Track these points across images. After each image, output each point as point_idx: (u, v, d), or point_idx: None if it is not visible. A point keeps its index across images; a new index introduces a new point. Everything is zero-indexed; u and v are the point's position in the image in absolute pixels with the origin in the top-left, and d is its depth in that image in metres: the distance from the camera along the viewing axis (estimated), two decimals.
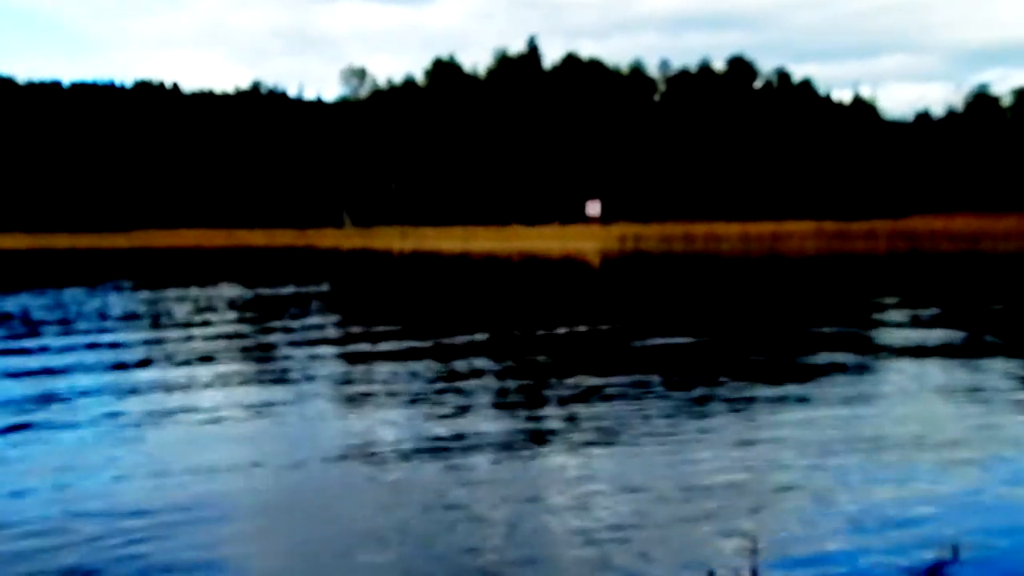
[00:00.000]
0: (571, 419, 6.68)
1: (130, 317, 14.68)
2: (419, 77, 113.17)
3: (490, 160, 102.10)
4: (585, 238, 74.35)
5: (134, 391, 7.96)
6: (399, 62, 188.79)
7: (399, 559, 3.88)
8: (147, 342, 11.43)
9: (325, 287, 21.55)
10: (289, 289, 20.82)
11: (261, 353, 10.23)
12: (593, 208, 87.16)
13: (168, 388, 8.06)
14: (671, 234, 75.76)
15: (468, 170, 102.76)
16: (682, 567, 3.76)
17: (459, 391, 7.59)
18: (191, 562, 3.89)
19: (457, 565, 3.87)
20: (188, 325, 13.32)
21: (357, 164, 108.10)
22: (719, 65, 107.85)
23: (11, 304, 17.61)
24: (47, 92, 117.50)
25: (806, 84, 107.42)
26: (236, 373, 8.72)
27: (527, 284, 24.37)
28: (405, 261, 41.53)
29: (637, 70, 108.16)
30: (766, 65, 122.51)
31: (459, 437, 5.95)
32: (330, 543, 4.10)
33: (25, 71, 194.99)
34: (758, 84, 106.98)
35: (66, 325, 13.40)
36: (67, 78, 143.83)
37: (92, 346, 11.01)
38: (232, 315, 15.07)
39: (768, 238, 73.05)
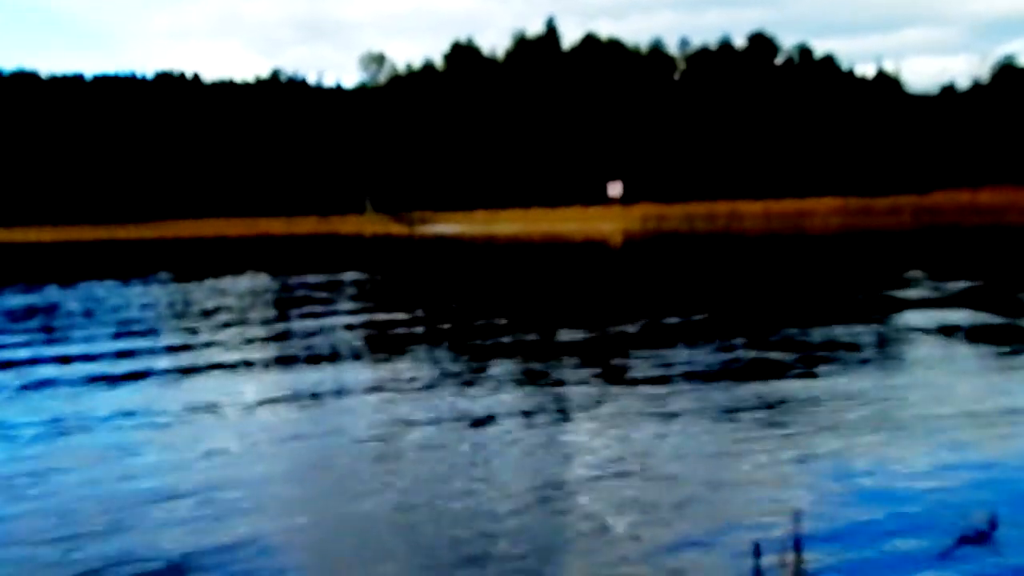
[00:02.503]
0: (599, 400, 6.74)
1: (183, 313, 14.84)
2: (438, 61, 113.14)
3: (511, 143, 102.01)
4: (607, 219, 74.27)
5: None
6: (416, 46, 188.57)
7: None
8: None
9: (354, 275, 21.65)
10: (319, 278, 20.94)
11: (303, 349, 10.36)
12: (614, 189, 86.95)
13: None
14: (693, 213, 75.48)
15: (489, 153, 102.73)
16: (726, 538, 3.84)
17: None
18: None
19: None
20: (241, 321, 13.47)
21: (378, 150, 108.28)
22: (739, 42, 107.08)
23: (71, 299, 17.79)
24: (70, 85, 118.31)
25: (828, 59, 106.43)
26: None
27: (549, 267, 24.41)
28: (427, 246, 41.63)
29: (656, 49, 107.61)
30: (787, 41, 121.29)
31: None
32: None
33: (48, 65, 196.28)
34: (779, 60, 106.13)
35: (120, 321, 13.57)
36: (89, 71, 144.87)
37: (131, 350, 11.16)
38: (276, 304, 15.22)
39: (792, 216, 72.68)
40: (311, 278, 20.37)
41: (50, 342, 10.86)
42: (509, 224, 73.75)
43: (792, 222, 63.06)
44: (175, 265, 29.97)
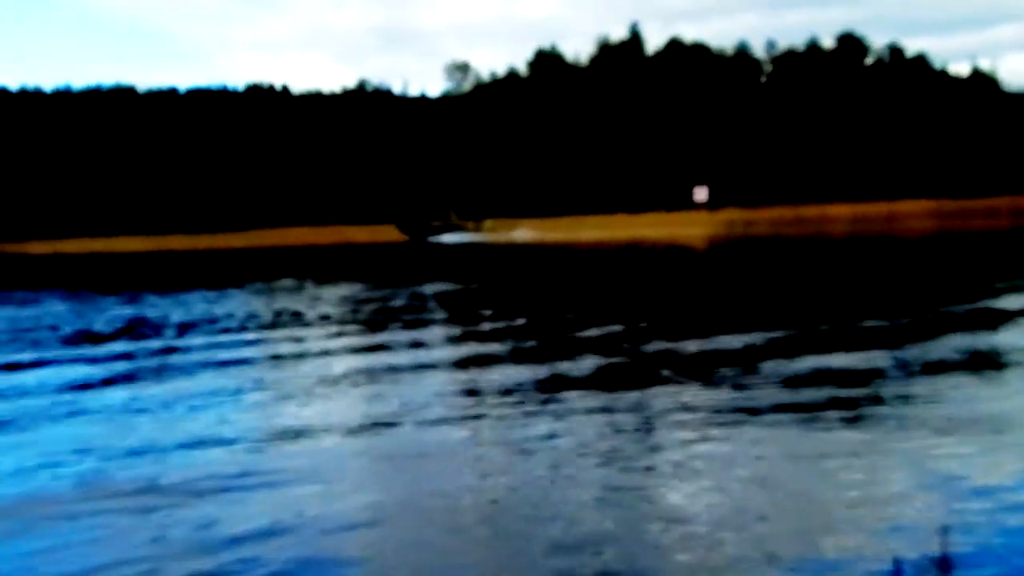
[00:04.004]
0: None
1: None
2: (521, 68, 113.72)
3: (595, 149, 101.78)
4: (692, 224, 73.69)
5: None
6: (498, 54, 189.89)
7: None
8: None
9: (445, 286, 21.76)
10: (412, 288, 21.10)
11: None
12: (700, 194, 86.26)
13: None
14: (781, 218, 74.48)
15: (573, 160, 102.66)
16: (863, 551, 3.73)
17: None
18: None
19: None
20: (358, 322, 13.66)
21: (462, 158, 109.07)
22: (828, 43, 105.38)
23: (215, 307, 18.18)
24: (165, 99, 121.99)
25: (920, 59, 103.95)
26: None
27: (632, 270, 24.24)
28: (513, 253, 41.75)
29: (742, 52, 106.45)
30: (877, 41, 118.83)
31: None
32: None
33: (144, 79, 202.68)
34: (869, 61, 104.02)
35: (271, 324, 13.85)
36: (183, 85, 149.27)
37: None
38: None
39: (882, 219, 71.17)
40: (402, 290, 20.52)
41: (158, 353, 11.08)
42: (592, 230, 73.56)
43: (883, 225, 61.70)
44: (267, 274, 30.51)
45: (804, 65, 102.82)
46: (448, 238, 72.03)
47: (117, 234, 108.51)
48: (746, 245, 38.89)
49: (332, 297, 18.65)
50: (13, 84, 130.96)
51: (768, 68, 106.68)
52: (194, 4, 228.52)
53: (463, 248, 51.46)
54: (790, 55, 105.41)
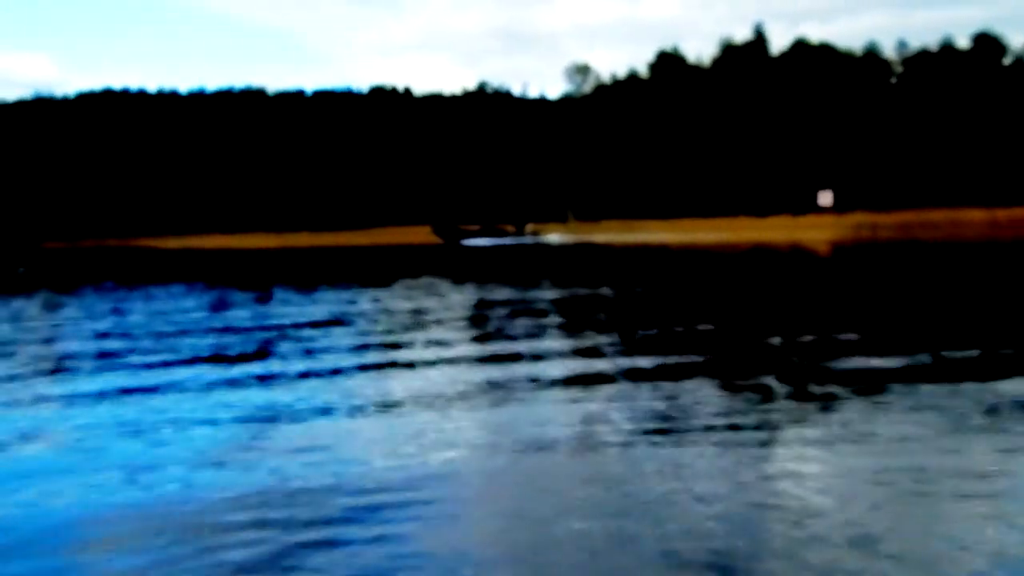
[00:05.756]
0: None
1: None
2: (642, 70, 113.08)
3: (717, 151, 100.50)
4: (816, 228, 72.19)
5: None
6: (618, 56, 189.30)
7: None
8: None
9: (557, 291, 21.75)
10: (553, 293, 21.17)
11: None
12: (825, 198, 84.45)
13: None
14: (910, 222, 72.17)
15: (695, 162, 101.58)
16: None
17: None
18: None
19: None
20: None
21: (581, 159, 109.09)
22: (962, 42, 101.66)
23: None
24: (292, 101, 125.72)
25: None
26: None
27: (751, 275, 23.82)
28: (630, 254, 41.51)
29: (871, 52, 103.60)
30: (1016, 40, 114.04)
31: None
32: None
33: (273, 82, 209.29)
34: (1007, 60, 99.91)
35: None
36: (309, 87, 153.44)
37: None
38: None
39: (1019, 224, 68.27)
40: (544, 293, 20.60)
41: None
42: (714, 233, 72.69)
43: (1019, 231, 59.21)
44: (399, 272, 30.98)
45: (937, 65, 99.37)
46: (479, 242, 74.95)
47: (245, 231, 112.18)
48: (872, 251, 37.82)
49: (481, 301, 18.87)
50: (151, 86, 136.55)
51: (898, 69, 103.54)
52: (321, 9, 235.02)
53: (562, 249, 51.27)
54: (923, 55, 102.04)
